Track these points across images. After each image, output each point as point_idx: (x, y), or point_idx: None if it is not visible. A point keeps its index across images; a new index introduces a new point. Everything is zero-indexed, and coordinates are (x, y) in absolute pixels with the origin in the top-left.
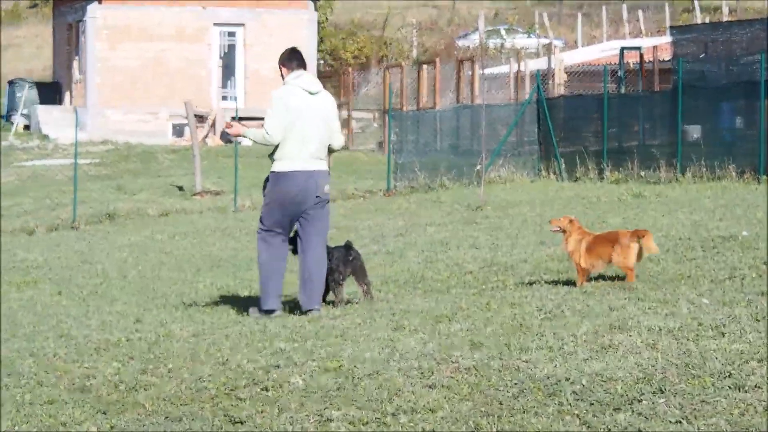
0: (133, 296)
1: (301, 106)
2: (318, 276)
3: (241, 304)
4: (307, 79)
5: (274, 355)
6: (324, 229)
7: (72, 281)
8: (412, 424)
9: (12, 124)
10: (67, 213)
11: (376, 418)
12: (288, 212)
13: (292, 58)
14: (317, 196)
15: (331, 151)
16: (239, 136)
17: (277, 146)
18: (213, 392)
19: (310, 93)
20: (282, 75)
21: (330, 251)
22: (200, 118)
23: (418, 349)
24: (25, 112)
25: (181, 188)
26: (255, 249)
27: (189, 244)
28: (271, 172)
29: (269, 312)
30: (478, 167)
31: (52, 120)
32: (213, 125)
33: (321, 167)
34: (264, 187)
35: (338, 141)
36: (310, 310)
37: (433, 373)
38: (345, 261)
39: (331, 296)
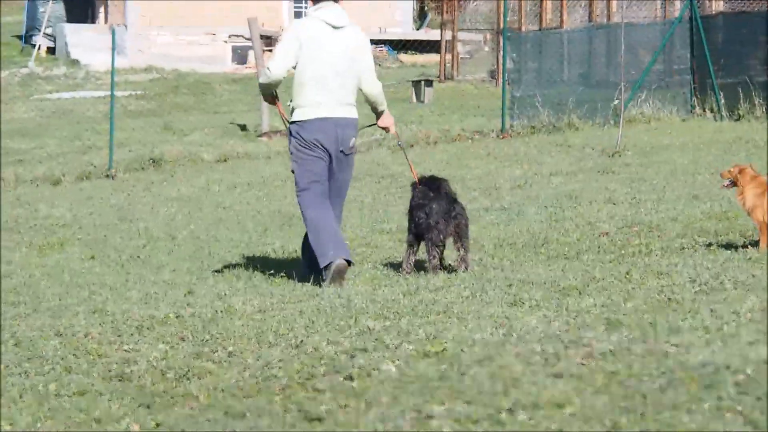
0: (184, 262)
1: (320, 42)
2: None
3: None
4: (330, 11)
5: (360, 335)
6: (345, 186)
7: (108, 243)
8: (532, 423)
9: (33, 46)
10: (102, 158)
11: (488, 415)
12: (320, 155)
13: None
14: (341, 151)
15: (368, 100)
16: None
17: (294, 92)
18: (284, 382)
19: (334, 27)
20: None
21: (427, 202)
22: (268, 40)
23: (540, 329)
24: (48, 31)
25: (243, 127)
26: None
27: (253, 197)
28: (291, 123)
29: (329, 266)
30: (616, 102)
31: (83, 42)
32: None
33: (347, 114)
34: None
35: (371, 84)
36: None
37: (559, 359)
38: (447, 216)
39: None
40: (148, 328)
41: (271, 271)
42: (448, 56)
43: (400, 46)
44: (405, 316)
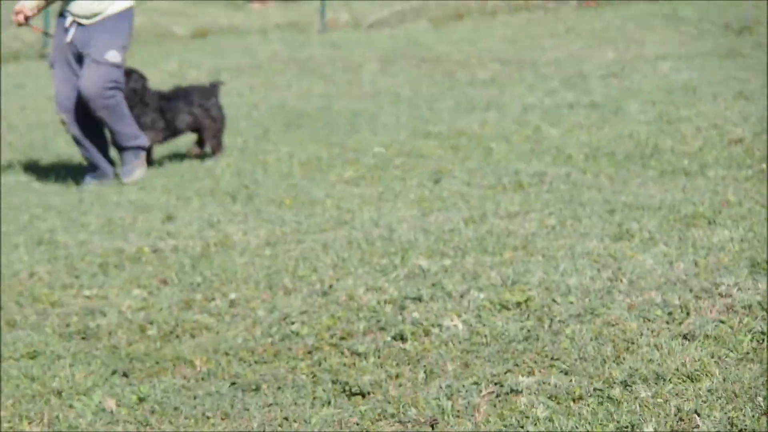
0: (156, 177)
1: None
2: None
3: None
4: None
5: (411, 279)
6: None
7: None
8: (659, 401)
9: None
10: None
11: (594, 390)
12: None
13: None
14: None
15: None
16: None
17: None
18: (310, 342)
19: None
20: None
21: None
22: None
23: (659, 271)
24: None
25: None
26: None
27: (245, 87)
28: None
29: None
30: None
31: None
32: None
33: None
34: None
35: None
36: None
37: (688, 313)
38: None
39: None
40: (115, 267)
41: (280, 189)
42: None
43: None
44: (470, 252)
